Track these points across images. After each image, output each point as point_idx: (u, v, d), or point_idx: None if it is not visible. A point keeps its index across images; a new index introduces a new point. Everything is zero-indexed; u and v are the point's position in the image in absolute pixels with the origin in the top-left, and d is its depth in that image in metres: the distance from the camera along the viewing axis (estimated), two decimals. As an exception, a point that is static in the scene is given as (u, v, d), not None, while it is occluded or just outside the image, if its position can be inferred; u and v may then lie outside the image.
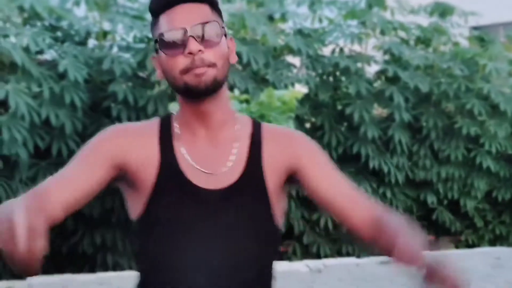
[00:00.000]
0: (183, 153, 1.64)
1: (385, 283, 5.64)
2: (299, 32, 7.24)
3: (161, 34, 1.59)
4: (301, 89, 7.27)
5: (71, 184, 1.56)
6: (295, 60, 7.28)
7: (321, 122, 7.11)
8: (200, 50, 1.55)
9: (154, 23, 1.64)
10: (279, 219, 1.68)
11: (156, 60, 1.66)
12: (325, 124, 7.08)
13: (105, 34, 6.35)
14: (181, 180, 1.62)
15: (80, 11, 6.28)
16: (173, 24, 1.58)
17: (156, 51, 1.63)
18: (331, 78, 7.39)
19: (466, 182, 7.74)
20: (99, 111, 6.08)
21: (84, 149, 1.65)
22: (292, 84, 6.91)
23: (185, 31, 1.56)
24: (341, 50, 7.46)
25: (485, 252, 7.10)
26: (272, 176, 1.66)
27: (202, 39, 1.56)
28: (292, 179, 1.70)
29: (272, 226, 1.66)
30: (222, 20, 1.66)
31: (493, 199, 7.99)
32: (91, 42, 6.44)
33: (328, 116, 7.15)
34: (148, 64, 5.91)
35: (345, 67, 7.02)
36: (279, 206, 1.69)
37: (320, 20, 7.49)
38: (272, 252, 1.71)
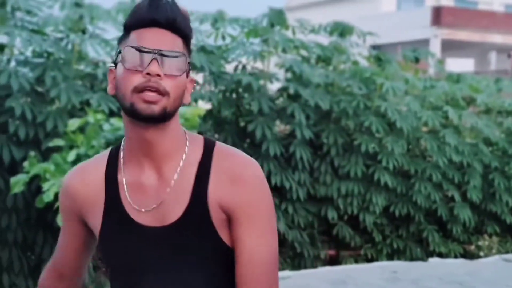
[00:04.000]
0: (125, 189, 1.61)
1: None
2: (202, 49, 7.26)
3: (128, 47, 1.53)
4: (204, 106, 7.29)
5: (66, 255, 1.77)
6: (198, 77, 7.30)
7: (224, 139, 7.14)
8: (158, 75, 1.50)
9: (123, 38, 1.58)
10: (229, 243, 1.61)
11: (112, 73, 1.59)
12: (228, 141, 7.12)
13: (2, 47, 6.16)
14: (124, 219, 1.59)
15: (-24, 23, 6.09)
16: (143, 41, 1.53)
17: (115, 64, 1.57)
18: (234, 95, 7.45)
19: (365, 198, 7.94)
20: (-5, 127, 5.90)
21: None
22: (195, 101, 6.92)
23: (153, 52, 1.51)
24: (244, 67, 7.53)
25: (382, 266, 7.28)
26: (217, 210, 1.59)
27: (164, 66, 1.52)
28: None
29: (222, 257, 1.61)
30: (190, 58, 1.62)
31: (391, 214, 8.23)
32: (-13, 56, 6.25)
33: (231, 133, 7.20)
34: (47, 79, 5.78)
35: (248, 84, 7.09)
36: (226, 233, 1.61)
37: (223, 38, 7.55)
38: (229, 278, 1.63)
